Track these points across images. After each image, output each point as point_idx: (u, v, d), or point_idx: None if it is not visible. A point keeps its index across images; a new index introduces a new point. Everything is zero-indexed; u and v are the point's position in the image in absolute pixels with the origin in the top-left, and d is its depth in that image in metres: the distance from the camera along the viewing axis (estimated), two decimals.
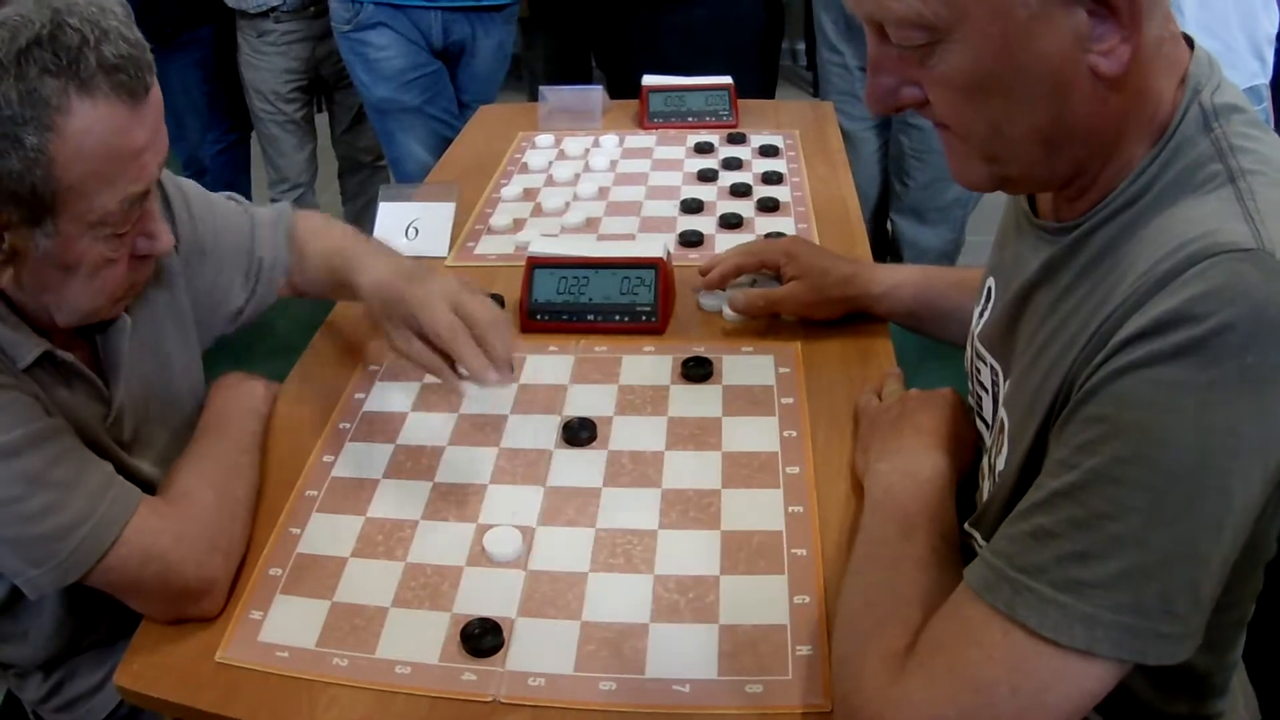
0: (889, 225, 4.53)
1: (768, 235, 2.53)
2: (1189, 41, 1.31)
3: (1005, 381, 1.51)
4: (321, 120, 5.08)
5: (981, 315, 1.62)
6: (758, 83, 4.14)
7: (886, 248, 4.57)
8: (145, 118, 1.56)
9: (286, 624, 1.58)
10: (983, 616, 1.17)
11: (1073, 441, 1.16)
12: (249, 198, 4.70)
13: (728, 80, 3.34)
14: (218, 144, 4.95)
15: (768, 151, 3.06)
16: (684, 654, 1.49)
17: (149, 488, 1.73)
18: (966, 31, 1.18)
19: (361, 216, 4.96)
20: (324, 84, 4.91)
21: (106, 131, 1.50)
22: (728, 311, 2.19)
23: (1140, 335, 1.12)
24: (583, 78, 5.46)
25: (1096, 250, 1.29)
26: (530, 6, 4.64)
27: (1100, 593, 1.10)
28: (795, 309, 2.12)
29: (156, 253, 1.71)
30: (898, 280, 2.08)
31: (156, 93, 1.59)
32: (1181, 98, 1.25)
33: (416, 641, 1.53)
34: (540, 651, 1.50)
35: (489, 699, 1.44)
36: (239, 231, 2.10)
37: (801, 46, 7.87)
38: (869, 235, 2.66)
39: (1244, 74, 3.11)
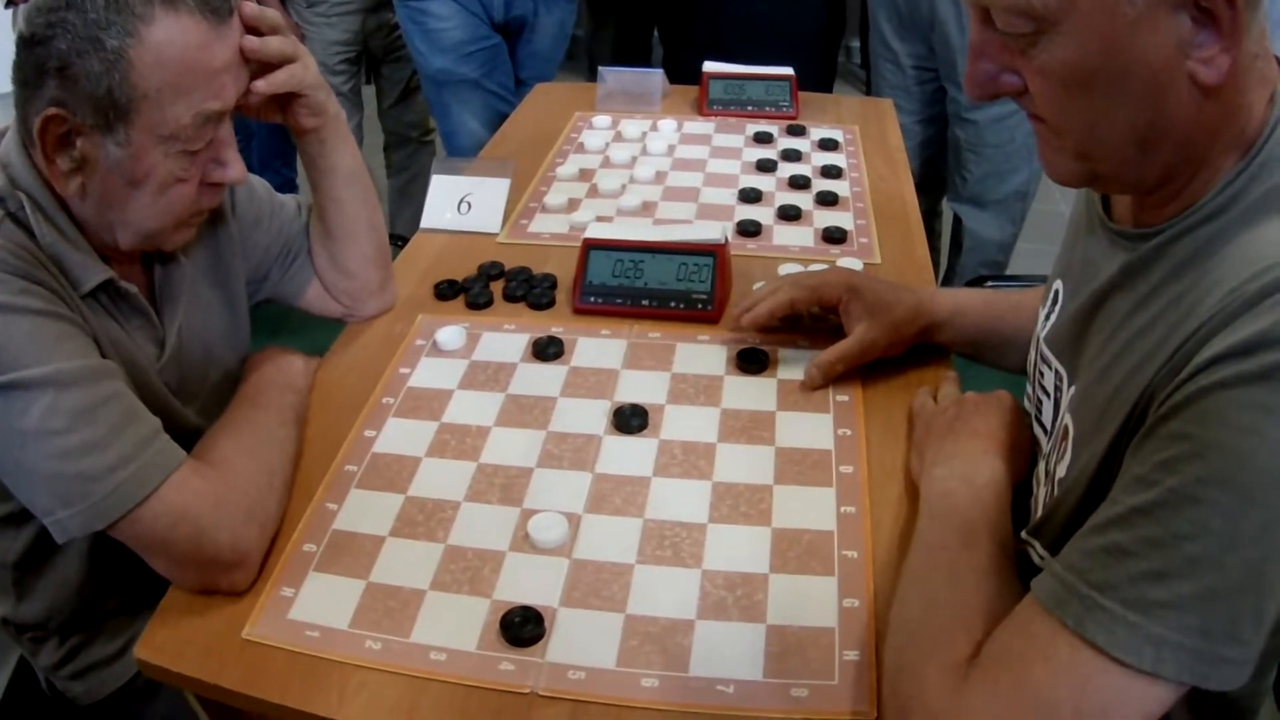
0: (943, 212, 4.52)
1: (825, 230, 2.52)
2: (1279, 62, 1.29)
3: (1070, 387, 1.49)
4: (368, 92, 5.05)
5: (1048, 318, 1.60)
6: (816, 77, 4.15)
7: (930, 239, 4.55)
8: (226, 39, 1.63)
9: (318, 602, 1.54)
10: (1050, 632, 1.14)
11: (1153, 458, 1.13)
12: (294, 166, 4.72)
13: (789, 71, 3.33)
14: None
15: (827, 145, 3.04)
16: (729, 653, 1.45)
17: (196, 435, 1.72)
18: (1073, 24, 1.17)
19: (407, 190, 4.97)
20: (372, 57, 4.88)
21: (187, 44, 1.56)
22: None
23: (1227, 355, 1.10)
24: (643, 63, 5.45)
25: (1179, 260, 1.26)
26: None
27: (1171, 614, 1.08)
28: (873, 356, 1.99)
29: (227, 180, 1.73)
30: (959, 306, 2.01)
31: (238, 21, 1.66)
32: (1270, 115, 1.23)
33: (454, 627, 1.49)
34: (582, 644, 1.47)
35: (526, 690, 1.40)
36: (293, 219, 2.13)
37: (856, 44, 7.83)
38: None
39: None
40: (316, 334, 2.22)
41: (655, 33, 5.34)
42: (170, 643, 1.50)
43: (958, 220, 4.38)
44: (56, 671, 1.94)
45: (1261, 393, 1.06)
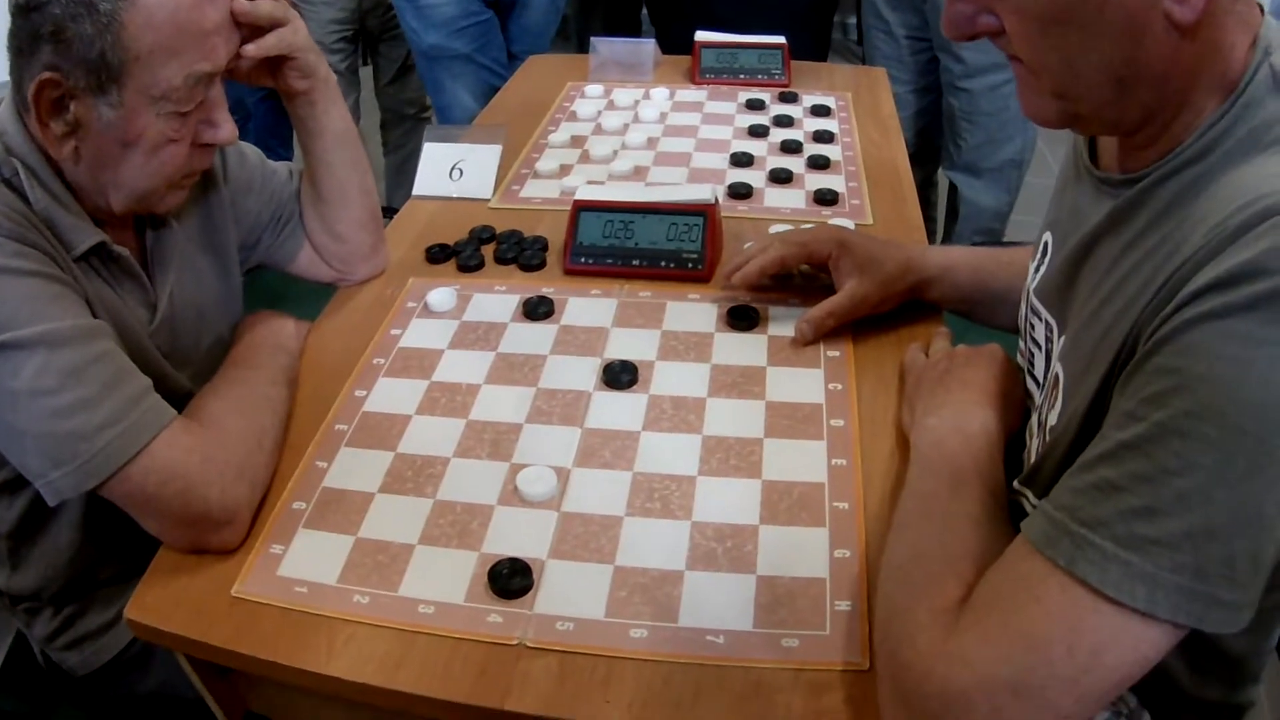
0: (939, 182, 4.54)
1: (816, 192, 2.52)
2: (1260, 8, 1.28)
3: (1060, 337, 1.48)
4: (365, 72, 5.03)
5: (1038, 270, 1.60)
6: (809, 48, 4.13)
7: (926, 209, 4.57)
8: (217, 1, 1.64)
9: (307, 559, 1.54)
10: (1041, 571, 1.12)
11: (1140, 393, 1.12)
12: (290, 145, 4.71)
13: (781, 40, 3.32)
14: (261, 90, 4.88)
15: (819, 111, 3.04)
16: (719, 604, 1.45)
17: (188, 400, 1.72)
18: None
19: (404, 168, 4.97)
20: (370, 35, 4.87)
21: (178, 6, 1.58)
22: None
23: (1213, 287, 1.08)
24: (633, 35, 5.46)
25: (1165, 203, 1.26)
26: None
27: (1164, 551, 1.06)
28: (863, 311, 1.99)
29: (218, 141, 1.73)
30: (950, 262, 2.01)
31: None
32: (1253, 58, 1.22)
33: (442, 580, 1.49)
34: (570, 595, 1.47)
35: (515, 642, 1.40)
36: (284, 185, 2.14)
37: (853, 20, 7.83)
38: None
39: None
40: (312, 305, 2.21)
41: (644, 11, 5.34)
42: (160, 603, 1.50)
43: (953, 188, 4.39)
44: (51, 643, 1.94)
45: (1248, 323, 1.05)
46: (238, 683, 1.59)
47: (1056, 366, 1.45)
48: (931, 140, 4.36)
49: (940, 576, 1.26)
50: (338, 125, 2.03)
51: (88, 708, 1.98)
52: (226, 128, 1.72)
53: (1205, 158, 1.22)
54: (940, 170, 4.47)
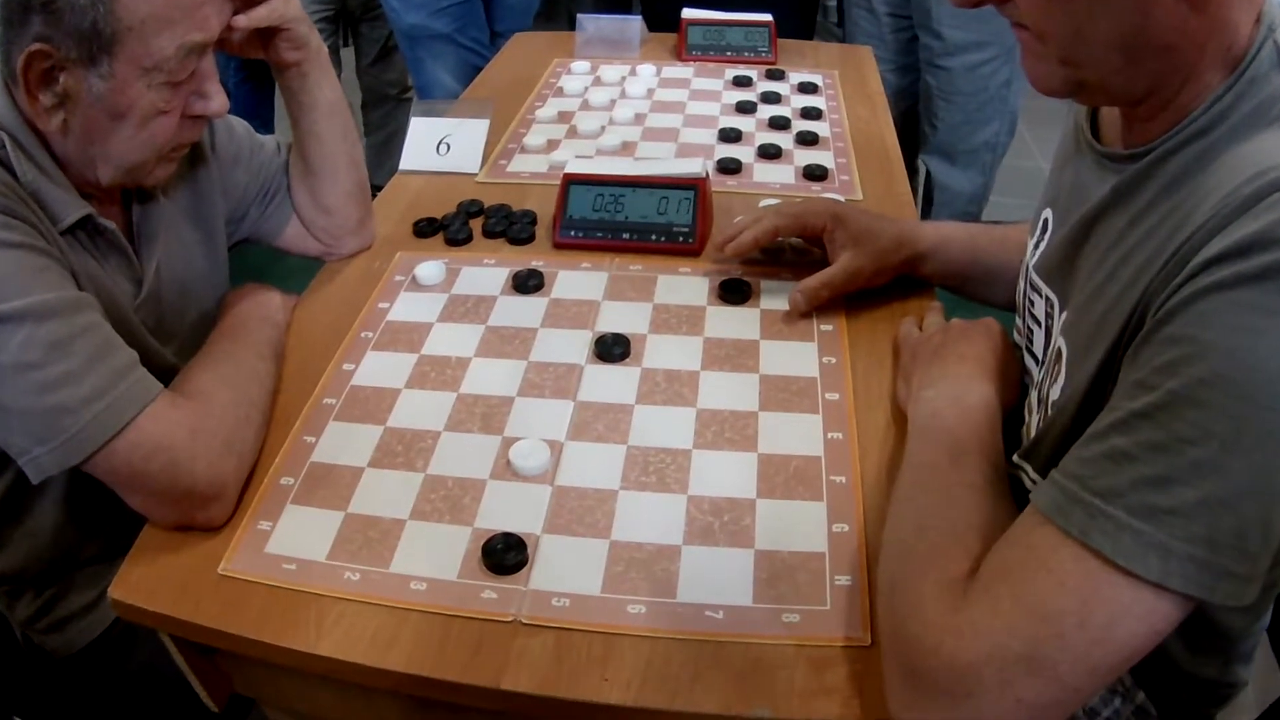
0: (920, 167, 4.51)
1: (805, 168, 2.51)
2: None
3: (1062, 312, 1.47)
4: (346, 53, 5.01)
5: (1037, 247, 1.59)
6: (796, 28, 4.15)
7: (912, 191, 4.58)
8: None
9: (296, 535, 1.52)
10: (1053, 541, 1.11)
11: (1151, 363, 1.12)
12: (271, 126, 4.69)
13: (768, 18, 3.32)
14: (241, 71, 4.88)
15: (807, 88, 3.04)
16: (718, 579, 1.43)
17: (173, 375, 1.70)
18: None
19: (385, 149, 4.94)
20: (350, 16, 4.86)
21: None
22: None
23: (1223, 257, 1.08)
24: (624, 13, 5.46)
25: (1171, 177, 1.26)
26: None
27: (1177, 521, 1.05)
28: (857, 284, 1.97)
29: (209, 112, 1.72)
30: (943, 237, 2.00)
31: None
32: (1257, 34, 1.22)
33: (434, 556, 1.47)
34: (566, 570, 1.44)
35: (509, 618, 1.38)
36: (272, 158, 2.14)
37: (834, 3, 7.81)
38: None
39: None
40: (298, 280, 2.19)
41: None
42: (145, 581, 1.47)
43: (928, 174, 4.39)
44: (33, 625, 1.92)
45: (1259, 293, 1.05)
46: (223, 663, 1.57)
47: (1059, 341, 1.44)
48: (914, 124, 4.35)
49: (945, 548, 1.25)
50: (329, 97, 2.03)
51: (69, 690, 1.95)
52: (218, 99, 1.71)
53: (1211, 132, 1.22)
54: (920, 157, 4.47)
